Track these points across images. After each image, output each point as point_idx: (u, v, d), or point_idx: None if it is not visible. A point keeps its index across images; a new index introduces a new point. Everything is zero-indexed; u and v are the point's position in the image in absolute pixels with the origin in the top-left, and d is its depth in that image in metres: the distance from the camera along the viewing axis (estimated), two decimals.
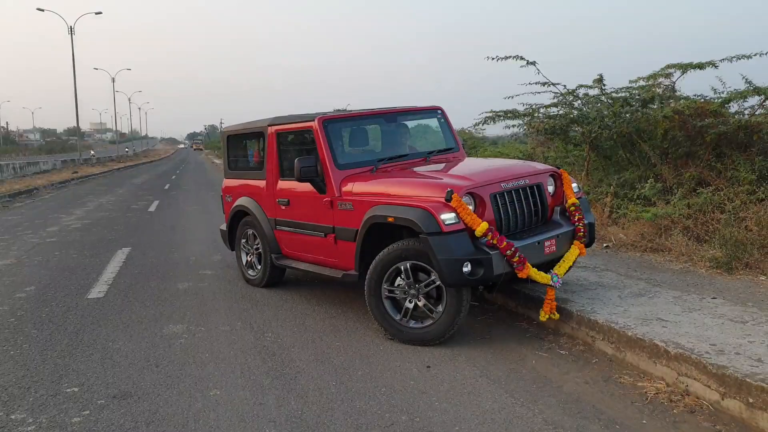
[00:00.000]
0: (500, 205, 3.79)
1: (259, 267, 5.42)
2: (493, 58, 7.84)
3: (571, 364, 3.42)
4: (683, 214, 5.59)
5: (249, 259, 5.57)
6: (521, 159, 11.17)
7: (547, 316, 3.79)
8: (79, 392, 3.12)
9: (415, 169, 4.41)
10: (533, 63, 7.60)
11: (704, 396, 2.83)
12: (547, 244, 3.86)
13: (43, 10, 33.27)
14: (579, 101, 7.78)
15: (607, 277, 4.72)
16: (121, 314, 4.58)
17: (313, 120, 4.48)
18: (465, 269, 3.45)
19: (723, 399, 2.73)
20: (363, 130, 4.99)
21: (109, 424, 2.77)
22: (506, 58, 7.72)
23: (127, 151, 57.30)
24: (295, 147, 4.89)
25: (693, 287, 4.28)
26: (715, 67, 6.73)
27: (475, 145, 16.67)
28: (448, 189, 3.57)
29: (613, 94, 7.56)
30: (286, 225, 4.95)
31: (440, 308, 3.71)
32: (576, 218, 4.04)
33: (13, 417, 2.85)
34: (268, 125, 5.06)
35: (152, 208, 12.62)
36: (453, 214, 3.51)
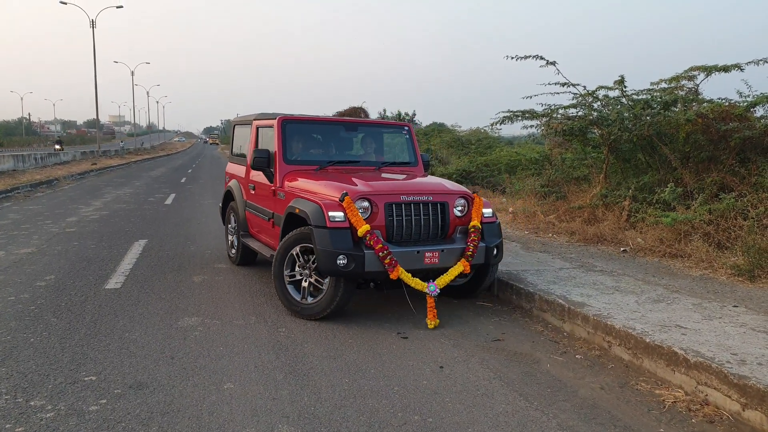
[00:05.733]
0: (395, 214, 4.18)
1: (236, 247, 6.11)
2: (512, 58, 7.77)
3: (586, 368, 3.38)
4: (704, 220, 5.50)
5: (231, 238, 6.25)
6: (537, 159, 11.07)
7: (432, 323, 4.09)
8: (96, 381, 3.16)
9: (353, 174, 4.72)
10: (553, 63, 7.52)
11: (724, 406, 2.78)
12: (428, 255, 4.18)
13: (65, 3, 33.79)
14: (599, 102, 7.68)
15: (624, 281, 4.65)
16: (138, 305, 4.63)
17: (275, 118, 5.12)
18: (340, 261, 3.92)
19: (744, 410, 2.68)
20: (319, 133, 5.55)
21: (125, 413, 2.79)
22: (525, 57, 7.65)
23: (122, 144, 50.65)
24: (267, 140, 5.36)
25: (713, 294, 4.21)
26: (741, 70, 6.60)
27: (490, 145, 16.58)
28: (343, 191, 4.05)
29: (634, 96, 7.46)
30: (251, 207, 5.67)
31: (311, 300, 4.26)
32: (470, 238, 4.29)
33: (32, 403, 2.89)
34: (253, 120, 5.71)
35: (169, 201, 12.75)
36: (341, 213, 4.00)
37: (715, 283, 4.58)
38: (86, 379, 3.19)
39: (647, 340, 3.29)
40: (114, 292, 5.03)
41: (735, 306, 3.92)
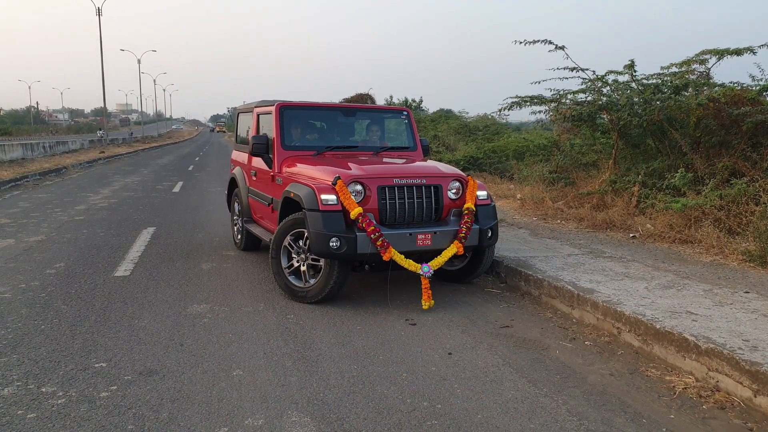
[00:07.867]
0: (387, 197, 4.19)
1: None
2: (520, 43, 7.67)
3: (595, 355, 3.36)
4: (715, 206, 5.44)
5: (237, 224, 6.34)
6: (546, 145, 10.97)
7: (427, 304, 4.13)
8: (107, 367, 3.19)
9: (349, 159, 4.72)
10: (562, 47, 7.41)
11: (735, 392, 2.76)
12: (420, 237, 4.18)
13: None
14: (608, 87, 7.57)
15: (633, 268, 4.62)
16: (147, 292, 4.66)
17: (273, 105, 5.17)
18: (333, 244, 3.97)
19: (755, 396, 2.66)
20: (318, 119, 5.55)
21: (136, 399, 2.82)
22: (534, 42, 7.54)
23: (101, 133, 42.47)
24: (267, 127, 5.39)
25: (724, 281, 4.17)
26: (754, 53, 6.47)
27: (498, 131, 16.46)
28: (336, 175, 4.08)
29: (644, 81, 7.34)
30: (253, 193, 5.71)
31: (312, 281, 4.28)
32: (463, 221, 4.29)
33: (43, 390, 2.92)
34: (255, 107, 5.75)
35: (176, 189, 12.78)
36: (334, 197, 4.04)
37: (726, 269, 4.54)
38: (97, 365, 3.22)
39: (657, 327, 3.26)
40: (123, 280, 5.06)
41: (746, 292, 3.88)
